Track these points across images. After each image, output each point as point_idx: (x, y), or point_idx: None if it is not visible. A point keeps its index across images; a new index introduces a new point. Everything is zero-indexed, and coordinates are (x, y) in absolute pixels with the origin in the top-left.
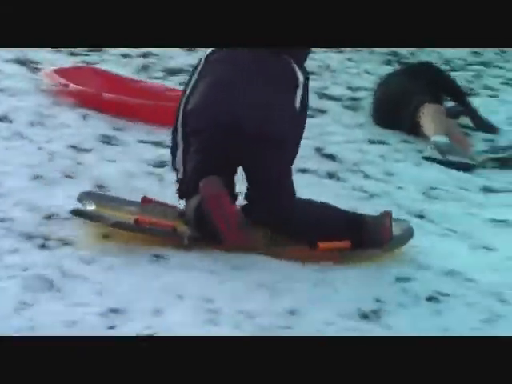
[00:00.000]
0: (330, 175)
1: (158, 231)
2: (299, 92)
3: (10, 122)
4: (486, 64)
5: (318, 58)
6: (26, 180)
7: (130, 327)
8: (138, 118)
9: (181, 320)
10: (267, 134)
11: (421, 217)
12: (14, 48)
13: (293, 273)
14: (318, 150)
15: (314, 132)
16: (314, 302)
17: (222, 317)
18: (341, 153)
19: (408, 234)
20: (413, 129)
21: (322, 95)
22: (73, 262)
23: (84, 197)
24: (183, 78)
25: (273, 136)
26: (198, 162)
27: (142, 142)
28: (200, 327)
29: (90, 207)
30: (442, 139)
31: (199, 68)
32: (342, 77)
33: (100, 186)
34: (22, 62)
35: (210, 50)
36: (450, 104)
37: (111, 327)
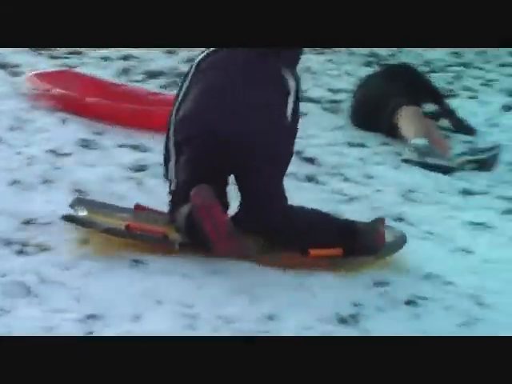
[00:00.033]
0: (309, 178)
1: (149, 237)
2: (291, 99)
3: None
4: (466, 65)
5: None
6: (4, 185)
7: (108, 333)
8: (121, 122)
9: (159, 325)
10: (258, 144)
11: (400, 220)
12: None
13: (271, 278)
14: (298, 153)
15: None
16: (293, 307)
17: (201, 322)
18: (320, 156)
19: (401, 241)
20: (391, 131)
21: (302, 97)
22: (51, 267)
23: (76, 203)
24: (164, 80)
25: (264, 146)
26: (189, 170)
27: (121, 146)
28: (179, 332)
29: (82, 213)
30: (420, 141)
31: (190, 75)
32: (322, 79)
33: (79, 191)
34: (1, 65)
35: (200, 56)
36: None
37: (89, 333)
